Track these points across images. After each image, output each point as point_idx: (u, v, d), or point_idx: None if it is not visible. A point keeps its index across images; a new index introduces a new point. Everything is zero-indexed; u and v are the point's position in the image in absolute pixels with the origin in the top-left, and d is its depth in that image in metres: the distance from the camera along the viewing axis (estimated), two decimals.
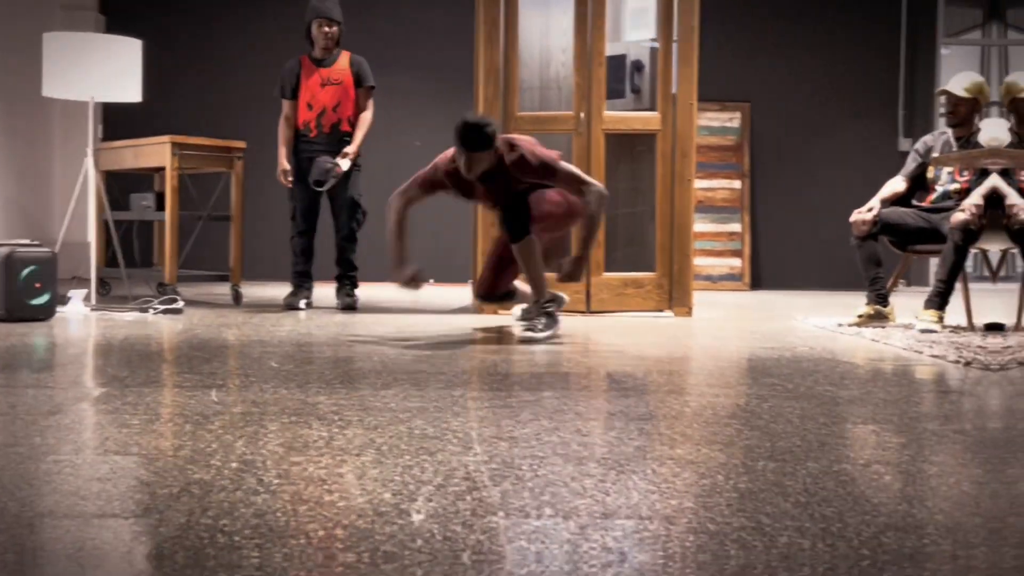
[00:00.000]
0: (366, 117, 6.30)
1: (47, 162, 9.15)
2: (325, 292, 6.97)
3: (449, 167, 4.83)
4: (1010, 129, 5.35)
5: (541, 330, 4.73)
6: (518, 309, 5.33)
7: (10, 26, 8.23)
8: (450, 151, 4.82)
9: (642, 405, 2.90)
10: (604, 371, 3.65)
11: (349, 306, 6.22)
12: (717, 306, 7.30)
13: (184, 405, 2.78)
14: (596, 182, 4.75)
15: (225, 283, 6.84)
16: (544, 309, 4.80)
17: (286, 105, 6.30)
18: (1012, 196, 5.09)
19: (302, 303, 6.27)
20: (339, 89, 6.22)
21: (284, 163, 6.24)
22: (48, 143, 9.16)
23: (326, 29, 6.20)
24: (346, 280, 6.33)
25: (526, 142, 4.74)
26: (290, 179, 6.23)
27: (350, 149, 6.19)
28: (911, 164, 5.70)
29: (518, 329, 5.04)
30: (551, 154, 4.73)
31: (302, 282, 6.35)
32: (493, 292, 5.14)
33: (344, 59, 6.29)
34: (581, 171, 4.81)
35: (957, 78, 5.56)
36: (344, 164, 6.12)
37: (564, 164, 4.73)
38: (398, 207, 4.89)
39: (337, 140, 6.21)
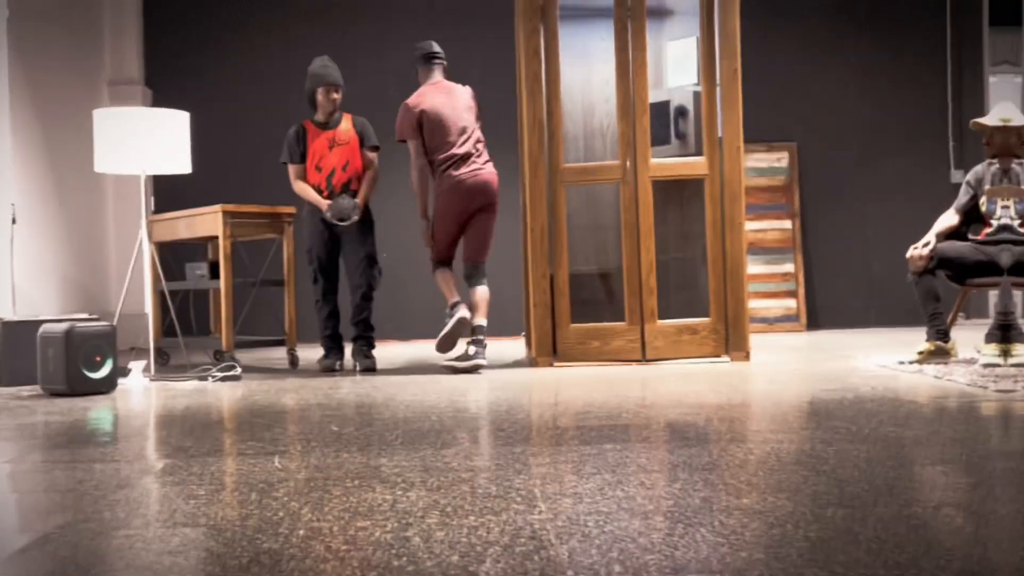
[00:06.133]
0: (371, 174, 6.39)
1: (102, 236, 9.33)
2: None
3: (414, 102, 6.07)
4: None
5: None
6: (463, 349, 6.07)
7: (59, 104, 8.45)
8: (411, 98, 6.11)
9: (705, 454, 2.88)
10: (664, 421, 3.63)
11: (369, 368, 6.22)
12: (775, 349, 7.23)
13: (249, 473, 2.80)
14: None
15: (281, 347, 6.90)
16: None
17: (295, 169, 6.34)
18: None
19: (337, 364, 6.36)
20: (346, 149, 6.32)
21: (323, 202, 6.20)
22: (102, 217, 9.36)
23: (334, 96, 6.32)
24: (363, 341, 6.35)
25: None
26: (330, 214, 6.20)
27: (358, 200, 6.25)
28: (963, 197, 5.65)
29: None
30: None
31: (335, 344, 6.40)
32: (450, 257, 6.16)
33: (347, 121, 6.40)
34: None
35: (994, 109, 5.54)
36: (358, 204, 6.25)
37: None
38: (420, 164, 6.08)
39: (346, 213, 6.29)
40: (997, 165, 5.56)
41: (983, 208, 5.54)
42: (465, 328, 5.83)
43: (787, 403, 4.05)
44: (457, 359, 5.90)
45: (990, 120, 5.47)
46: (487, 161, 6.07)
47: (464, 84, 6.26)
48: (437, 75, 6.20)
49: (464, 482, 2.57)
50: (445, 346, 5.92)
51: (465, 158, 5.96)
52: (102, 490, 2.60)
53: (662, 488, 2.43)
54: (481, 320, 5.91)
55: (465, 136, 6.02)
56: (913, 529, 1.97)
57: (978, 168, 5.71)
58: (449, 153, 5.96)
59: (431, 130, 5.99)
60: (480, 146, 6.08)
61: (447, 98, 6.06)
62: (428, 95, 6.06)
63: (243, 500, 2.43)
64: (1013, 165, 5.50)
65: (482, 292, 5.97)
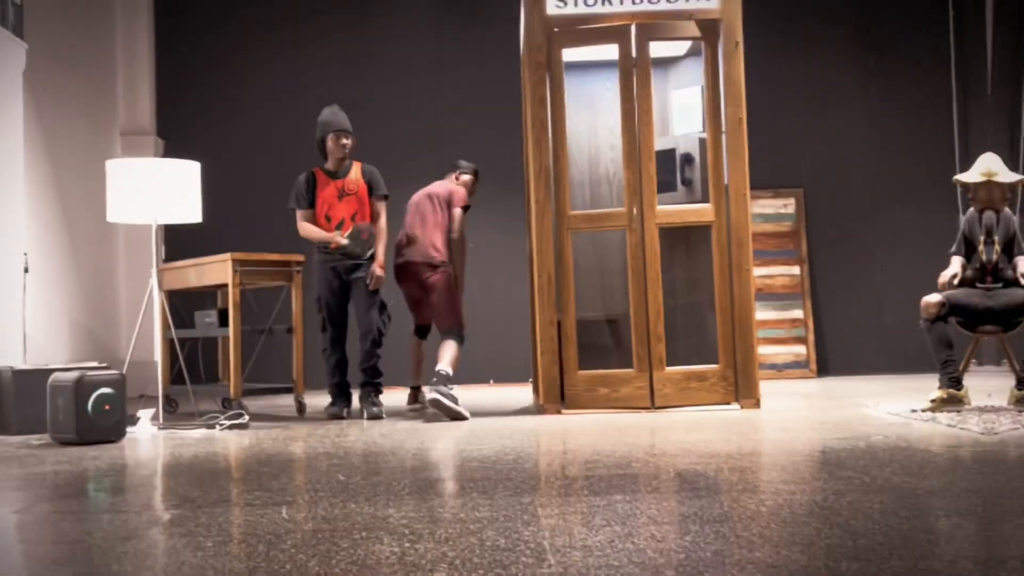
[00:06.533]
0: (382, 227, 6.44)
1: (112, 285, 9.36)
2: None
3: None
4: None
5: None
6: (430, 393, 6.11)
7: (73, 153, 8.51)
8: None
9: (716, 506, 2.85)
10: (674, 471, 3.60)
11: (376, 416, 6.19)
12: (785, 396, 7.19)
13: (256, 524, 2.78)
14: None
15: (289, 394, 6.89)
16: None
17: (302, 214, 6.41)
18: None
19: (344, 412, 6.39)
20: (355, 199, 6.38)
21: (332, 235, 6.27)
22: (113, 266, 9.39)
23: (344, 141, 6.38)
24: (371, 388, 6.34)
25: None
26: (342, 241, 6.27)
27: (376, 266, 6.31)
28: (960, 245, 5.71)
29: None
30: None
31: (342, 392, 6.44)
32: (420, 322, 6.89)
33: (356, 169, 6.45)
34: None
35: (976, 163, 5.66)
36: (378, 271, 6.30)
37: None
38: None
39: (358, 247, 6.35)
40: (986, 214, 5.61)
41: (983, 258, 5.56)
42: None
43: (799, 452, 4.02)
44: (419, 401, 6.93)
45: (971, 176, 5.59)
46: (428, 244, 6.45)
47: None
48: (447, 177, 6.92)
49: (472, 534, 2.55)
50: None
51: (410, 241, 6.54)
52: (110, 542, 2.58)
53: (673, 541, 2.41)
54: (443, 366, 6.07)
55: (418, 224, 6.54)
56: None
57: (971, 215, 5.75)
58: (402, 235, 6.61)
59: (407, 216, 6.73)
60: (424, 231, 6.48)
61: (427, 192, 6.68)
62: (421, 191, 6.77)
63: (250, 552, 2.42)
64: (1004, 213, 5.57)
65: (447, 344, 6.25)
